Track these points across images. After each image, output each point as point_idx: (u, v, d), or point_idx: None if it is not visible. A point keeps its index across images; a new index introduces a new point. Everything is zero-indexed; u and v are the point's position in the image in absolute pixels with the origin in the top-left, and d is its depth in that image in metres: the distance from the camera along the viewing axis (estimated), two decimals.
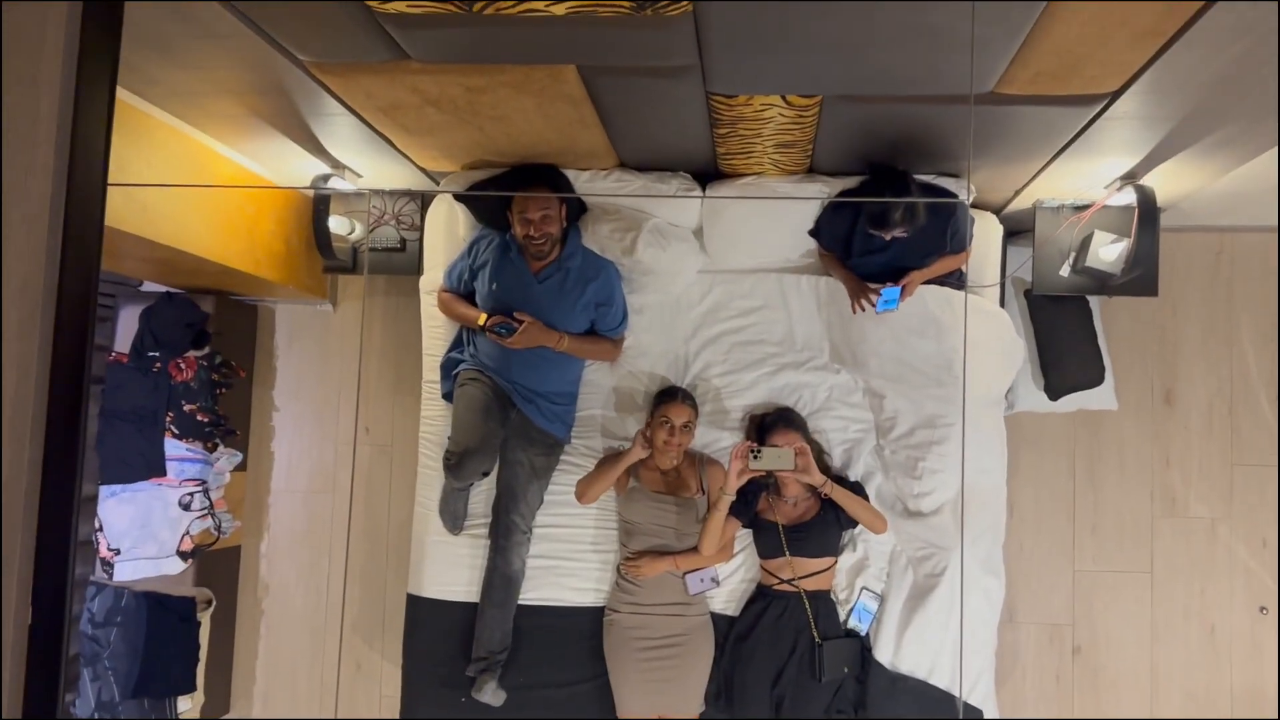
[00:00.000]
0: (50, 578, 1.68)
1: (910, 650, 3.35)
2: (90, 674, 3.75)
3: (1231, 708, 4.07)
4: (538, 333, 3.29)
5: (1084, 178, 3.35)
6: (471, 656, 3.43)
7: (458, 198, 3.50)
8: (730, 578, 3.46)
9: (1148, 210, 3.33)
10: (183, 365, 3.93)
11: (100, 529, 3.85)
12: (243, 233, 3.64)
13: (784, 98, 2.71)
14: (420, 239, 3.86)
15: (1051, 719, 4.13)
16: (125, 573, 3.83)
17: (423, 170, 3.50)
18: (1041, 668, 4.16)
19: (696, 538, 3.40)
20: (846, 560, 3.46)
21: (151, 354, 3.90)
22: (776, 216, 3.52)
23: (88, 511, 3.87)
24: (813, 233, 3.53)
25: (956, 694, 3.30)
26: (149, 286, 4.16)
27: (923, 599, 3.37)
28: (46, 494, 1.69)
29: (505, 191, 3.33)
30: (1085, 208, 3.59)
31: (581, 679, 3.46)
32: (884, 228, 3.16)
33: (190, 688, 3.91)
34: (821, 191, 3.40)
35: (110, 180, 1.99)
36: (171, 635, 3.84)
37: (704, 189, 3.50)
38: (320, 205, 3.71)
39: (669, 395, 3.41)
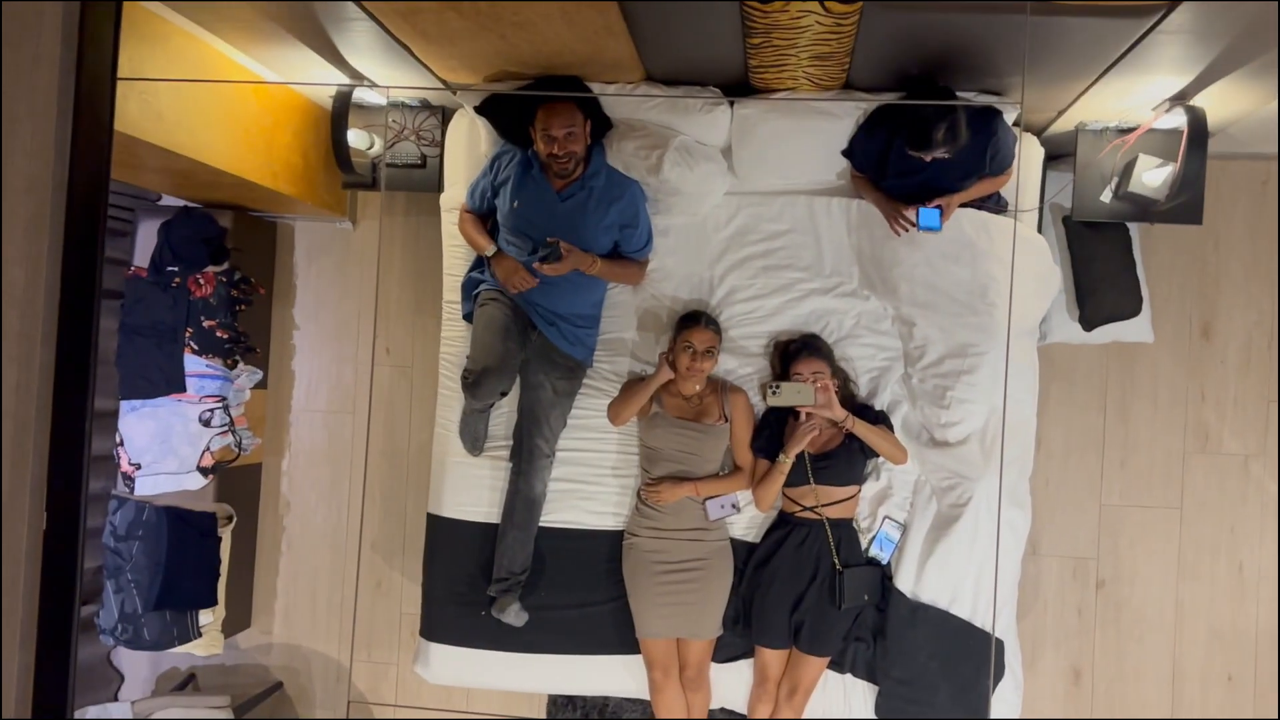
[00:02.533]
0: (65, 478, 1.65)
1: (931, 579, 3.31)
2: (113, 586, 3.80)
3: (1256, 647, 4.04)
4: (575, 258, 3.21)
5: (1131, 98, 3.20)
6: (492, 577, 3.43)
7: (479, 109, 3.40)
8: (751, 504, 3.42)
9: (1197, 132, 3.19)
10: (202, 281, 3.89)
11: (121, 444, 3.86)
12: (260, 145, 3.57)
13: (822, 4, 2.59)
14: (441, 155, 3.77)
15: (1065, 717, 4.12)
16: (146, 487, 3.85)
17: (443, 82, 3.40)
18: (1064, 601, 4.13)
19: (717, 464, 3.36)
20: (870, 489, 3.42)
21: (171, 269, 3.86)
22: (808, 136, 3.40)
23: (108, 426, 3.88)
24: (846, 153, 3.41)
25: (977, 623, 3.27)
26: (168, 201, 4.11)
27: (946, 529, 3.32)
28: (61, 386, 1.66)
29: (529, 96, 3.22)
30: (1130, 130, 3.45)
31: (601, 600, 3.46)
32: (925, 148, 3.03)
33: (211, 601, 3.95)
34: (857, 110, 3.28)
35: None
36: (192, 550, 3.86)
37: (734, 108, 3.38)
38: (339, 116, 3.62)
39: (692, 319, 3.34)
